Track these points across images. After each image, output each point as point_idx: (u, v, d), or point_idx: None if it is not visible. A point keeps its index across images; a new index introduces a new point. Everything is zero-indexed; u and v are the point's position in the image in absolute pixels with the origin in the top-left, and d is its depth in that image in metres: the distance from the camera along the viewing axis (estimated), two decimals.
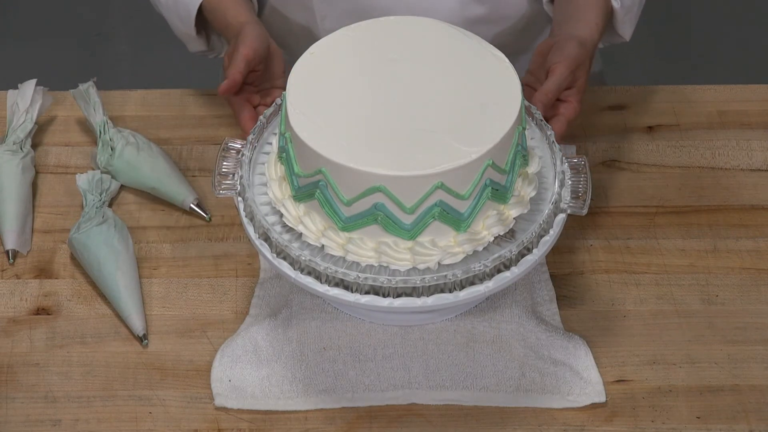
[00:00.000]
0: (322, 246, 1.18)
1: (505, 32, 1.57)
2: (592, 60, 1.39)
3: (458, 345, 1.25)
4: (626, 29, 1.48)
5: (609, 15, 1.43)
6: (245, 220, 1.22)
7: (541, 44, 1.38)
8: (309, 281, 1.18)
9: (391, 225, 1.15)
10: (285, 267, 1.19)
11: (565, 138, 1.46)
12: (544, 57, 1.37)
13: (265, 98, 1.41)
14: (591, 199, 1.21)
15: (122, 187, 1.44)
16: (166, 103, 1.55)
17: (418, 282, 1.15)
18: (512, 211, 1.19)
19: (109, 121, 1.45)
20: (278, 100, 1.28)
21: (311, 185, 1.16)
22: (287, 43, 1.61)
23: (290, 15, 1.58)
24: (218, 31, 1.47)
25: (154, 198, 1.43)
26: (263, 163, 1.25)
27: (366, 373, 1.24)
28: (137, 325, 1.29)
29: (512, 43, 1.56)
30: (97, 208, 1.36)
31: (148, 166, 1.42)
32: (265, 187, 1.22)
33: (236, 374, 1.25)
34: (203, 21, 1.49)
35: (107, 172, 1.43)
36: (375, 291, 1.16)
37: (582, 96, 1.36)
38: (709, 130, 1.50)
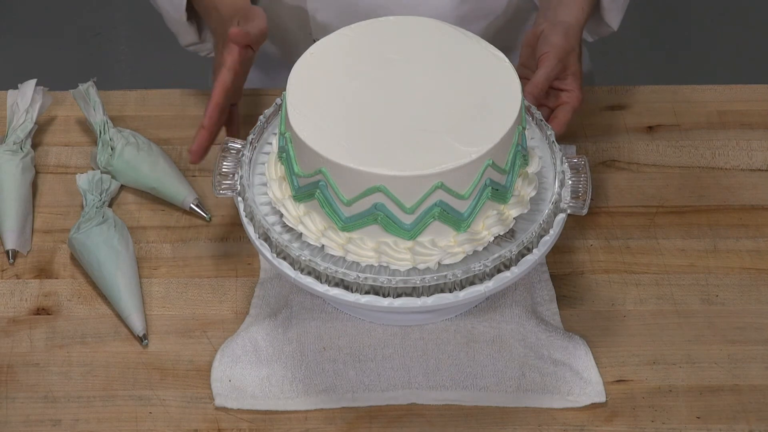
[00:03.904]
0: (322, 246, 1.18)
1: (495, 27, 1.57)
2: (581, 43, 1.39)
3: (458, 345, 1.25)
4: (613, 17, 1.48)
5: (594, 0, 1.43)
6: (245, 220, 1.22)
7: (528, 34, 1.38)
8: (309, 281, 1.18)
9: (391, 225, 1.15)
10: (285, 267, 1.19)
11: (565, 137, 1.46)
12: (532, 47, 1.37)
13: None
14: (591, 199, 1.21)
15: (122, 187, 1.44)
16: (166, 103, 1.55)
17: (418, 282, 1.15)
18: (512, 211, 1.19)
19: (109, 121, 1.45)
20: (278, 100, 1.28)
21: (311, 185, 1.17)
22: (280, 38, 1.60)
23: (284, 8, 1.57)
24: (209, 6, 1.43)
25: (154, 198, 1.43)
26: (263, 163, 1.25)
27: (366, 373, 1.24)
28: (137, 325, 1.29)
29: (503, 38, 1.56)
30: (97, 208, 1.36)
31: (148, 166, 1.42)
32: (265, 187, 1.22)
33: (236, 374, 1.25)
34: (196, 13, 1.49)
35: (107, 172, 1.43)
36: (375, 291, 1.16)
37: (581, 81, 1.36)
38: (709, 130, 1.50)
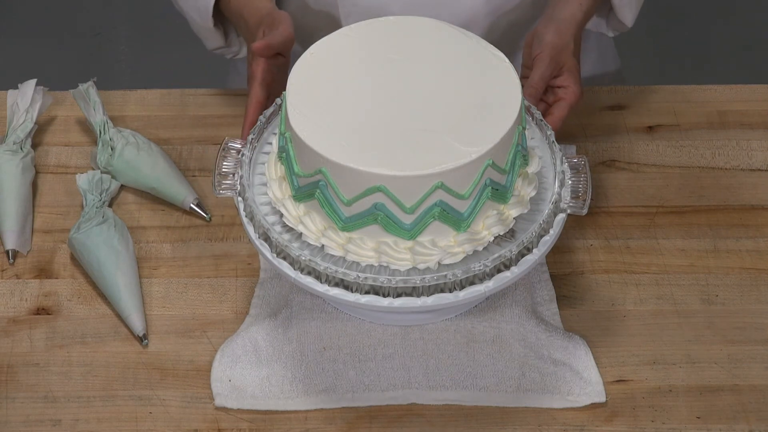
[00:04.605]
0: (322, 246, 1.18)
1: (525, 19, 1.56)
2: (579, 39, 1.39)
3: (458, 345, 1.25)
4: (626, 15, 1.48)
5: None
6: (245, 220, 1.22)
7: (527, 35, 1.38)
8: (309, 281, 1.18)
9: (391, 225, 1.15)
10: (285, 267, 1.19)
11: (565, 137, 1.46)
12: (531, 48, 1.37)
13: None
14: (591, 199, 1.21)
15: (122, 187, 1.44)
16: (166, 103, 1.55)
17: (418, 282, 1.15)
18: (512, 211, 1.19)
19: (109, 121, 1.45)
20: (278, 100, 1.28)
21: (311, 185, 1.16)
22: (311, 40, 1.60)
23: (315, 12, 1.57)
24: (236, 14, 1.44)
25: (154, 198, 1.43)
26: (263, 163, 1.25)
27: (366, 373, 1.24)
28: (137, 325, 1.29)
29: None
30: (97, 208, 1.36)
31: (148, 166, 1.42)
32: (265, 187, 1.22)
33: (236, 374, 1.25)
34: (221, 17, 1.49)
35: (107, 172, 1.43)
36: (375, 291, 1.16)
37: (578, 77, 1.36)
38: (709, 130, 1.50)
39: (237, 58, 1.57)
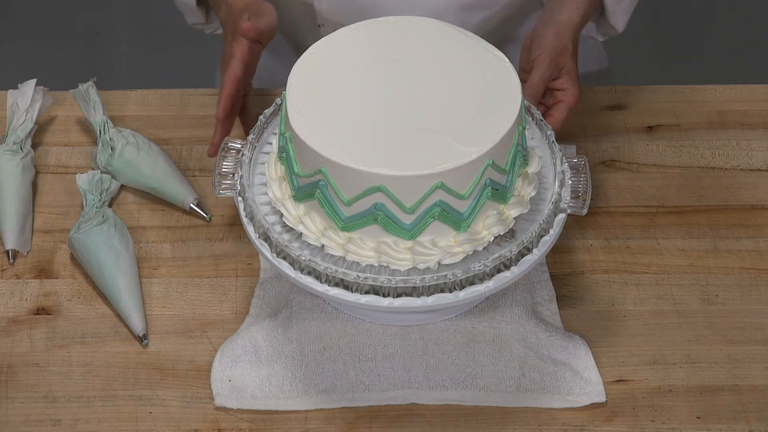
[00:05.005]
0: (322, 246, 1.18)
1: (497, 18, 1.56)
2: (576, 42, 1.39)
3: (458, 345, 1.25)
4: (618, 20, 1.48)
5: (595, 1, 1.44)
6: (245, 220, 1.22)
7: (526, 38, 1.39)
8: (309, 281, 1.18)
9: (391, 225, 1.15)
10: (285, 267, 1.19)
11: (565, 137, 1.46)
12: (529, 51, 1.38)
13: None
14: (591, 199, 1.21)
15: (122, 187, 1.44)
16: (166, 103, 1.55)
17: (418, 282, 1.15)
18: (512, 211, 1.19)
19: (109, 121, 1.45)
20: (278, 100, 1.28)
21: (311, 185, 1.17)
22: (288, 23, 1.60)
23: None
24: (217, 1, 1.47)
25: (154, 198, 1.43)
26: (263, 163, 1.25)
27: (366, 373, 1.24)
28: (137, 325, 1.29)
29: (505, 29, 1.56)
30: (97, 208, 1.36)
31: (148, 166, 1.42)
32: (265, 187, 1.22)
33: (236, 374, 1.25)
34: None
35: (107, 172, 1.43)
36: (375, 291, 1.16)
37: (577, 79, 1.36)
38: (709, 130, 1.50)
39: (215, 33, 1.60)
